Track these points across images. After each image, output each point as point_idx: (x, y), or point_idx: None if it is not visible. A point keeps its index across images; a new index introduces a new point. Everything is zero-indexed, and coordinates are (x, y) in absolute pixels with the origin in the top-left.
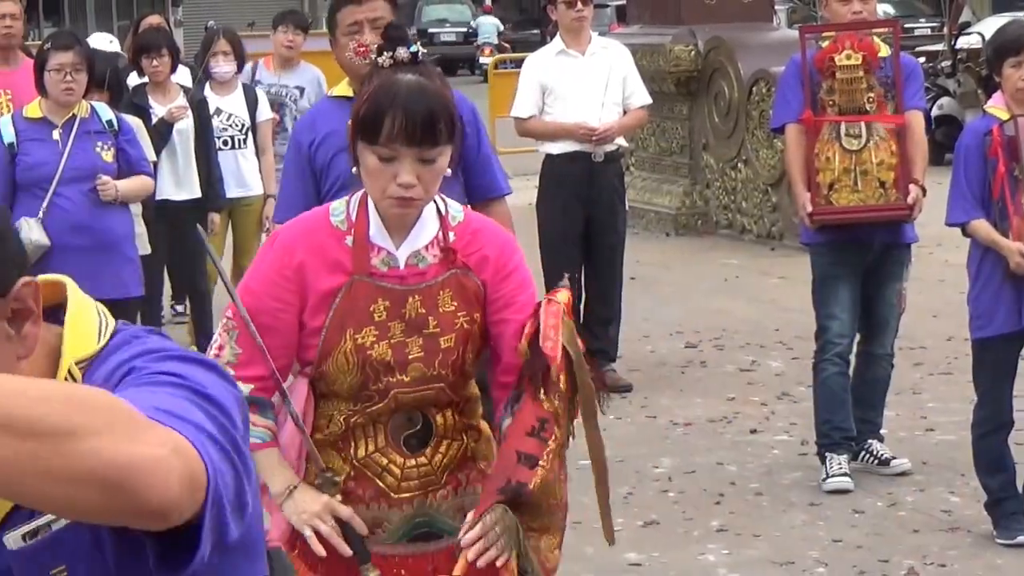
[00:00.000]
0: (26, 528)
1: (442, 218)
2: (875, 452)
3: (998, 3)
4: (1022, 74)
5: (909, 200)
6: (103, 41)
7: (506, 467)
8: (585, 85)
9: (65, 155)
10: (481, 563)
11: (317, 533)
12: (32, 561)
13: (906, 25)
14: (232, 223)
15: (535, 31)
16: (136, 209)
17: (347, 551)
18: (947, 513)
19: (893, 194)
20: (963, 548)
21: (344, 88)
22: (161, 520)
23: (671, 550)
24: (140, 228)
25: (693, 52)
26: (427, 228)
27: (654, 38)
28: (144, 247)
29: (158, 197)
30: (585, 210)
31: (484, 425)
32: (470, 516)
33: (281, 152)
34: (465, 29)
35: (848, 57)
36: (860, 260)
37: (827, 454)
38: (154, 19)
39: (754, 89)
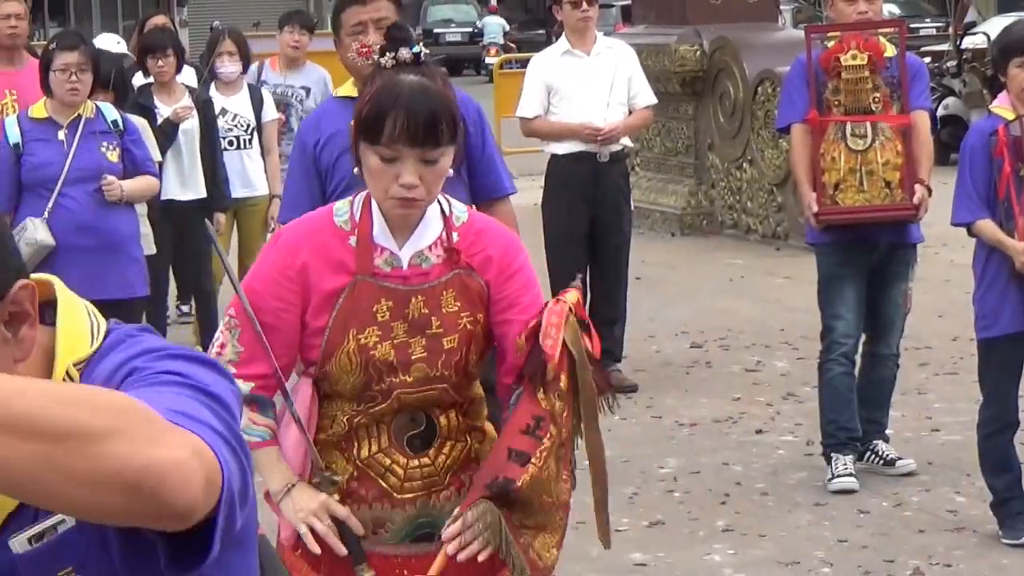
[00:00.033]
0: (32, 531)
1: (446, 219)
2: (880, 452)
3: (1003, 3)
4: None
5: (915, 200)
6: (111, 42)
7: (496, 463)
8: (590, 85)
9: (70, 155)
10: (462, 557)
11: (314, 531)
12: (38, 564)
13: (911, 25)
14: (237, 223)
15: (540, 31)
16: (141, 209)
17: (342, 550)
18: (953, 513)
19: (899, 194)
20: (969, 548)
21: (349, 88)
22: (182, 521)
23: (676, 550)
24: (145, 228)
25: (698, 52)
26: (431, 228)
27: (659, 38)
28: (149, 247)
29: (163, 197)
30: (590, 210)
31: (489, 426)
32: (456, 511)
33: (287, 152)
34: (470, 29)
35: (854, 57)
36: (866, 260)
37: (833, 454)
38: (159, 19)
39: (759, 89)
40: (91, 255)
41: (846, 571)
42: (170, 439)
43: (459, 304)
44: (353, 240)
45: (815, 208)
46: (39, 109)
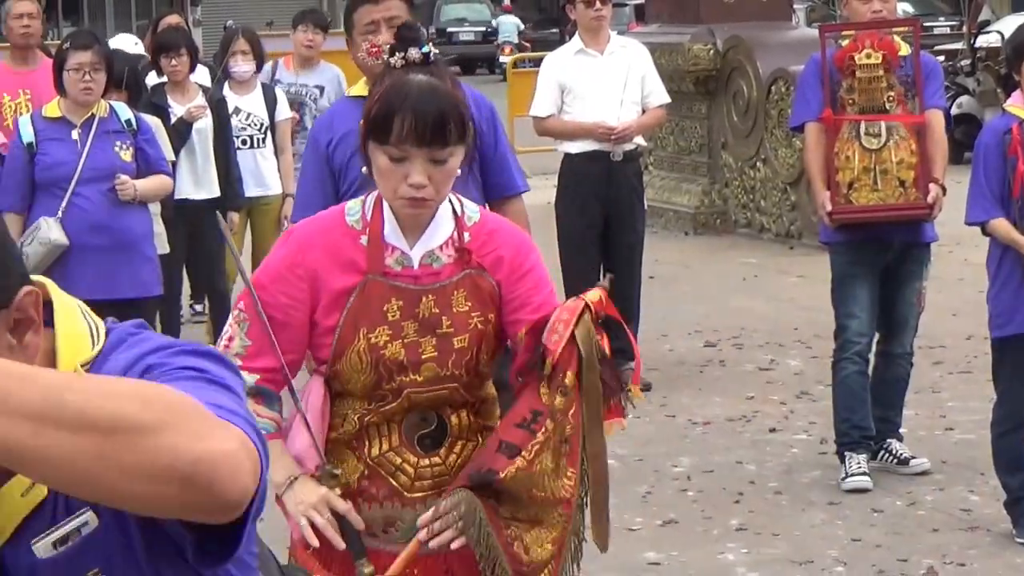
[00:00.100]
0: (56, 535)
1: (457, 218)
2: (894, 451)
3: (1017, 1)
4: None
5: (929, 199)
6: (128, 43)
7: (485, 454)
8: (604, 84)
9: (84, 155)
10: (433, 544)
11: (313, 525)
12: (65, 567)
13: (925, 24)
14: (251, 222)
15: (554, 30)
16: (155, 208)
17: (340, 543)
18: (967, 512)
19: (913, 193)
20: (983, 547)
21: (362, 88)
22: (231, 513)
23: (690, 549)
24: (159, 227)
25: (712, 51)
26: (442, 228)
27: (673, 37)
28: (163, 246)
29: (177, 196)
30: (604, 209)
31: None
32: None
33: (301, 151)
34: (484, 28)
35: (868, 56)
36: (879, 259)
37: (846, 453)
38: (173, 18)
39: (773, 88)
40: (105, 254)
41: (860, 570)
42: (219, 432)
43: (470, 304)
44: (364, 239)
45: (829, 207)
46: (53, 108)
